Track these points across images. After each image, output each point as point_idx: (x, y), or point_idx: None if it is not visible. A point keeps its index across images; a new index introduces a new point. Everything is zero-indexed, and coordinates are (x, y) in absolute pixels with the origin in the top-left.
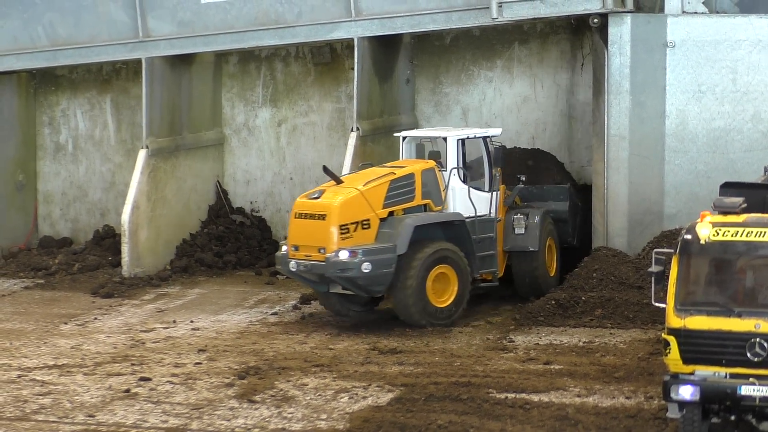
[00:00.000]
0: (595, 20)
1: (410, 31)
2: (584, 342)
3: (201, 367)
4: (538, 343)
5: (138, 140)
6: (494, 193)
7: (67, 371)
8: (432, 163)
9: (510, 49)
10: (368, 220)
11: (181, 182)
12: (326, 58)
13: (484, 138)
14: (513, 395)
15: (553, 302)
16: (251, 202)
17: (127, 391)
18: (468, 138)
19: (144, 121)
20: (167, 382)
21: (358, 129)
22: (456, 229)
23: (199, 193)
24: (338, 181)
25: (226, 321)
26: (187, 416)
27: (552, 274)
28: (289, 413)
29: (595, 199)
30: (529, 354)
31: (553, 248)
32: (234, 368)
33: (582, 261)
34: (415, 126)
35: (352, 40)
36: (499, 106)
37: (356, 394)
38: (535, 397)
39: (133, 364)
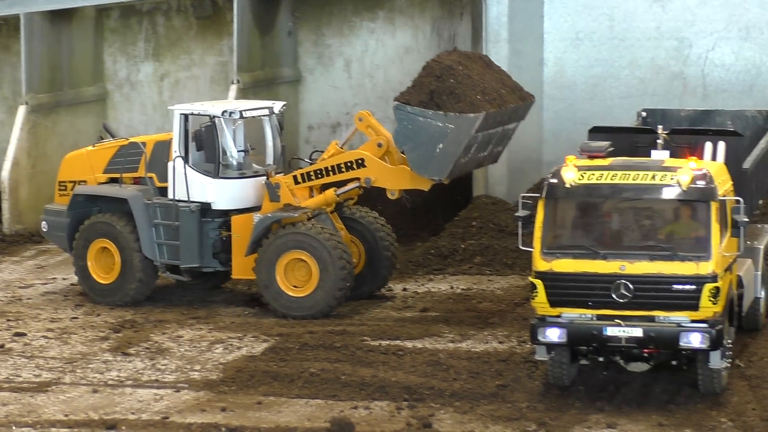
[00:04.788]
0: None
1: None
2: (462, 289)
3: (77, 321)
4: (416, 291)
5: (20, 97)
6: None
7: None
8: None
9: None
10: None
11: (62, 138)
12: (207, 12)
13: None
14: (387, 342)
15: (433, 251)
16: None
17: (2, 346)
18: (192, 114)
19: (23, 77)
20: (42, 337)
21: (238, 81)
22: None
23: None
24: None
25: None
26: (60, 370)
27: None
28: (162, 365)
29: None
30: (406, 302)
31: None
32: (110, 322)
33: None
34: (298, 78)
35: None
36: (382, 57)
37: (231, 344)
38: (409, 344)
39: (8, 320)
